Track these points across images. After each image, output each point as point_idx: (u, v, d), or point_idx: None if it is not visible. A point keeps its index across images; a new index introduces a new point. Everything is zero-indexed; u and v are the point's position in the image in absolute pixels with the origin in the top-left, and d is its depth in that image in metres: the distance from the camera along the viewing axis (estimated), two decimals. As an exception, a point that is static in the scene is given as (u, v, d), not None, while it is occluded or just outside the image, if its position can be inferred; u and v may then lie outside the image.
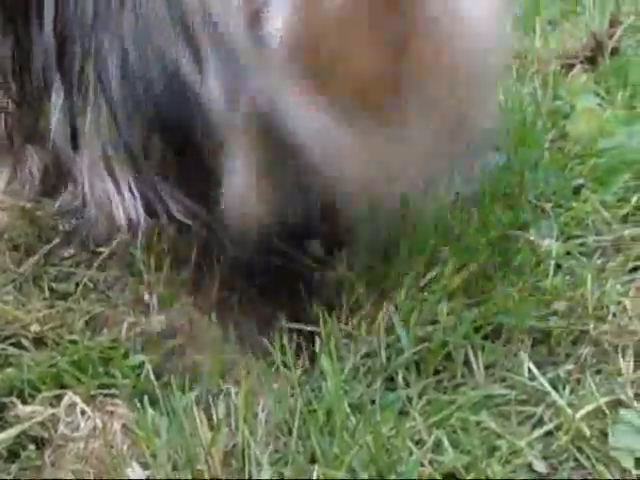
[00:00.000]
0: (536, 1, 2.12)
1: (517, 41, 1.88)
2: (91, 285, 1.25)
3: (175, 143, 1.13)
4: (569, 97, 1.55)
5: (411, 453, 0.95)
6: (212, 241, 1.22)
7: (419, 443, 0.97)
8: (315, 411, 1.00)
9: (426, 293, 1.14)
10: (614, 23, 1.72)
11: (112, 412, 1.03)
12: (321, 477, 0.93)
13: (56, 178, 1.51)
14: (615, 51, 1.69)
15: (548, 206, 1.33)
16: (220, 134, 1.07)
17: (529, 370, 1.06)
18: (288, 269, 1.23)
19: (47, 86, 1.31)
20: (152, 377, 1.07)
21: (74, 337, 1.15)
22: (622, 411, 1.01)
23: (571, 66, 1.67)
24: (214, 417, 1.01)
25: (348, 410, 0.99)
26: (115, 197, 1.19)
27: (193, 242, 1.24)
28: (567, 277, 1.20)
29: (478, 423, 1.00)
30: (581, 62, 1.68)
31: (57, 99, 1.29)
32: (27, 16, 1.34)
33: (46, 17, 1.28)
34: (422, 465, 0.94)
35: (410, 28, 0.99)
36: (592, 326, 1.12)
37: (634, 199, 1.36)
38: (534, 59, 1.77)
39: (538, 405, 1.02)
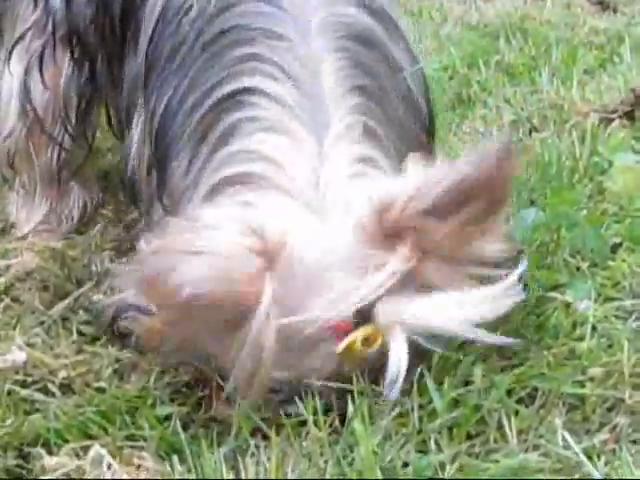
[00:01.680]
0: (573, 50, 2.11)
1: (554, 91, 1.87)
2: (120, 329, 1.24)
3: None
4: (607, 153, 1.53)
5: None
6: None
7: (451, 510, 0.96)
8: (346, 473, 0.99)
9: (460, 354, 1.12)
10: (654, 78, 1.72)
11: (139, 466, 1.01)
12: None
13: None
14: (654, 107, 1.67)
15: (584, 265, 1.30)
16: None
17: (563, 438, 1.04)
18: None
19: (129, 112, 1.34)
20: (179, 430, 1.06)
21: (102, 384, 1.14)
22: (658, 484, 0.98)
23: (609, 120, 1.66)
24: (242, 476, 1.00)
25: (379, 474, 0.97)
26: None
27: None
28: (603, 340, 1.18)
29: (511, 493, 0.98)
30: (619, 117, 1.67)
31: (138, 120, 1.31)
32: (124, 42, 1.37)
33: (142, 40, 1.31)
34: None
35: None
36: (628, 394, 1.10)
37: (672, 261, 1.33)
38: (571, 110, 1.76)
39: (572, 475, 1.00)
